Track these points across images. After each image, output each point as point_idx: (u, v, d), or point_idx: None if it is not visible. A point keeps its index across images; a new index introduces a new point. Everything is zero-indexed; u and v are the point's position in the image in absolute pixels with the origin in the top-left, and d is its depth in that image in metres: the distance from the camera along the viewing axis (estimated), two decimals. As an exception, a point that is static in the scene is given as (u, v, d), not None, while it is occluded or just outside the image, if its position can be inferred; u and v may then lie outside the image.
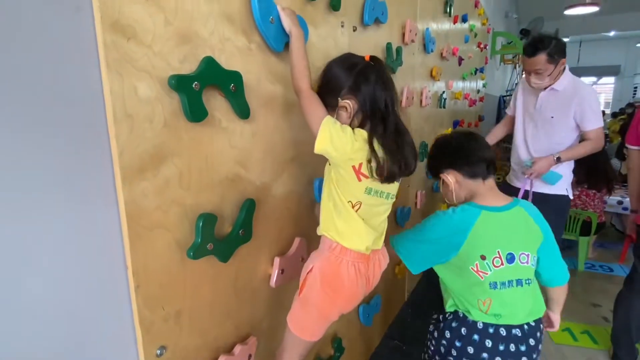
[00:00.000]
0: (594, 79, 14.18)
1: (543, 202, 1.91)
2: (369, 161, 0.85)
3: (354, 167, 0.86)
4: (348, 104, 0.87)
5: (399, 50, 1.64)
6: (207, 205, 0.79)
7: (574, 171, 1.99)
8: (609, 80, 14.01)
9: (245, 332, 0.96)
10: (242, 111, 0.83)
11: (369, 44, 1.42)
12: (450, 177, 1.11)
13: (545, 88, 1.81)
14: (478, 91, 4.23)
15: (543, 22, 7.56)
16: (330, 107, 0.89)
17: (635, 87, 13.01)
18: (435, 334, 1.13)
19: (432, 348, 1.13)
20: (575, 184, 2.95)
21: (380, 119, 0.87)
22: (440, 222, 1.08)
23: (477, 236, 1.02)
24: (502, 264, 1.03)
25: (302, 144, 1.09)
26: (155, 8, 0.65)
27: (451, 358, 1.06)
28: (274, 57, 0.94)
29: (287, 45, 0.93)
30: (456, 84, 3.09)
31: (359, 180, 0.87)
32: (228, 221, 0.86)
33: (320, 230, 0.95)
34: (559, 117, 1.79)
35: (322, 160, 1.19)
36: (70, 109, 0.57)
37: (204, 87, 0.72)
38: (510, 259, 1.04)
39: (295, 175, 1.08)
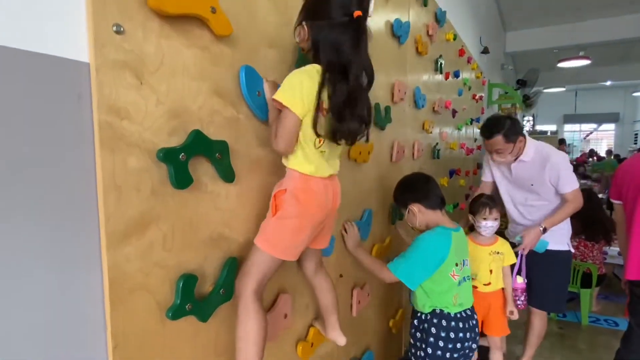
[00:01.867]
0: (594, 125, 14.43)
1: (546, 258, 1.93)
2: (329, 97, 0.91)
3: (316, 108, 0.91)
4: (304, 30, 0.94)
5: (387, 110, 1.74)
6: (189, 266, 0.83)
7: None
8: (610, 127, 14.24)
9: (224, 392, 0.96)
10: (227, 176, 0.89)
11: (357, 105, 1.51)
12: (416, 208, 1.49)
13: (515, 159, 1.90)
14: (475, 140, 4.34)
15: (538, 73, 7.86)
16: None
17: (636, 134, 13.18)
18: (418, 335, 1.50)
19: (421, 348, 1.47)
20: (572, 235, 2.94)
21: (339, 74, 0.91)
22: (430, 245, 1.41)
23: (454, 250, 1.42)
24: (462, 268, 1.47)
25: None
26: (148, 91, 0.73)
27: (439, 351, 1.42)
28: (261, 124, 1.02)
29: (273, 113, 1.01)
30: (451, 135, 3.19)
31: (324, 116, 0.92)
32: (210, 280, 0.89)
33: (288, 164, 0.98)
34: (538, 184, 1.88)
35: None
36: (64, 180, 0.63)
37: (190, 158, 0.78)
38: (462, 263, 1.48)
39: (280, 232, 1.12)
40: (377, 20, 1.66)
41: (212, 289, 0.88)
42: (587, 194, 3.04)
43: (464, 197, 3.74)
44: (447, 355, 1.42)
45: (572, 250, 2.01)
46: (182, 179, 0.77)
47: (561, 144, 9.96)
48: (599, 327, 2.88)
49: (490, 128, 1.84)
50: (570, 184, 1.81)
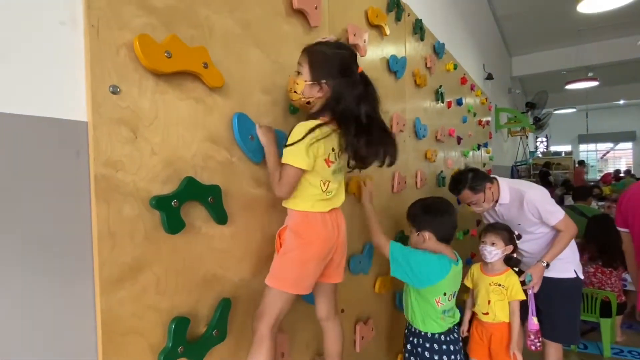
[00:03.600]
0: (610, 144, 14.14)
1: (549, 286, 1.88)
2: (333, 150, 1.03)
3: (325, 160, 1.02)
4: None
5: (386, 142, 1.76)
6: (182, 308, 0.86)
7: (584, 247, 1.98)
8: (627, 145, 13.93)
9: None
10: (220, 218, 0.93)
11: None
12: (427, 236, 1.54)
13: (495, 203, 1.91)
14: (484, 164, 4.32)
15: (547, 95, 7.84)
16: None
17: (655, 152, 12.81)
18: (411, 348, 1.59)
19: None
20: (589, 260, 2.85)
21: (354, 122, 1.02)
22: (429, 260, 1.47)
23: (447, 280, 1.47)
24: (449, 299, 1.52)
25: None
26: (143, 143, 0.78)
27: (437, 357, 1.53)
28: (255, 166, 1.06)
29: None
30: (457, 161, 3.19)
31: (329, 166, 1.03)
32: (204, 321, 0.91)
33: (287, 205, 1.06)
34: (525, 223, 1.88)
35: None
36: (61, 230, 0.68)
37: (182, 204, 0.82)
38: (452, 295, 1.54)
39: (276, 270, 1.14)
40: (373, 56, 1.72)
41: (205, 330, 0.89)
42: (601, 218, 2.96)
43: (474, 223, 3.68)
44: None
45: (581, 277, 1.95)
46: (174, 225, 0.81)
47: (580, 165, 9.75)
48: (624, 360, 2.73)
49: (456, 185, 1.92)
50: (554, 215, 1.79)
